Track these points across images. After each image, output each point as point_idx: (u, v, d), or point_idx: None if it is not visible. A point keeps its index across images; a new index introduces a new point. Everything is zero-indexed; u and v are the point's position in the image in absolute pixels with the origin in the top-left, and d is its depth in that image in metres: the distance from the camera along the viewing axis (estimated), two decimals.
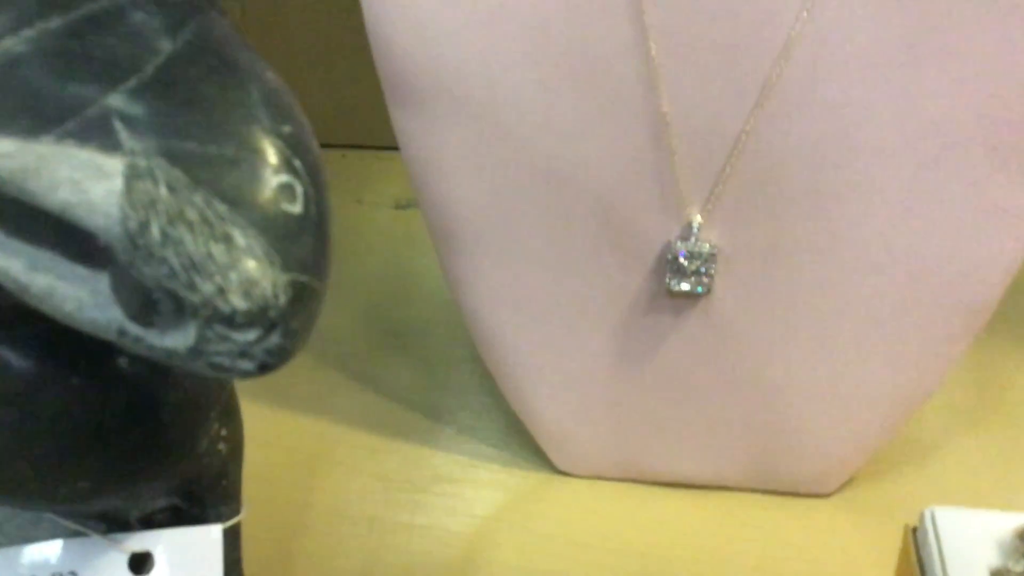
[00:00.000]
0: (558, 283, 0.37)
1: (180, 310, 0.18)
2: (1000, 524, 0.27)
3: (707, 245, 0.36)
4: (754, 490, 0.39)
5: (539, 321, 0.38)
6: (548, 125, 0.35)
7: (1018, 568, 0.25)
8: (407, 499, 0.39)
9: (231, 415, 0.29)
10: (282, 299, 0.18)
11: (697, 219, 0.36)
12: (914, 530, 0.27)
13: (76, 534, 0.27)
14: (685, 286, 0.36)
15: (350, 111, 0.58)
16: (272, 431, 0.42)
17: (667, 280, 0.36)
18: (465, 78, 0.35)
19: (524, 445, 0.41)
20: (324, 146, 0.66)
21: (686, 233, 0.36)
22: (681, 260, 0.36)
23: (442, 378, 0.45)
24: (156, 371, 0.25)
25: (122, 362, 0.24)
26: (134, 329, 0.19)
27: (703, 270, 0.36)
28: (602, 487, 0.39)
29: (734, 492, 0.39)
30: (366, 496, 0.39)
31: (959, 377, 0.43)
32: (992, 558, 0.26)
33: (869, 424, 0.38)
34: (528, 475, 0.40)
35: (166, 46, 0.20)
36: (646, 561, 0.37)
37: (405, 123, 0.36)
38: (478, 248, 0.37)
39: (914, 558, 0.27)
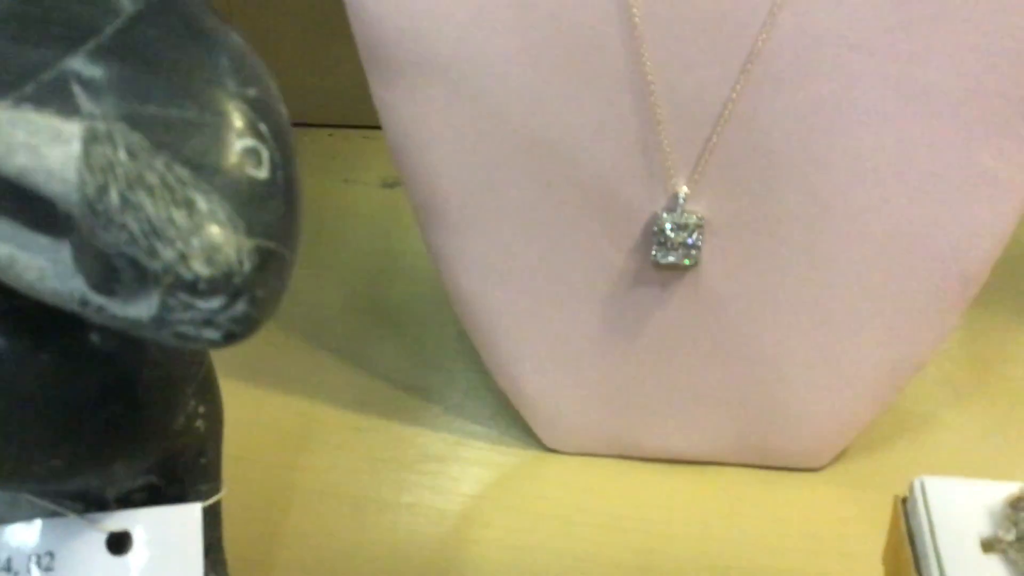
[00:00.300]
0: (543, 257, 0.37)
1: (142, 278, 0.17)
2: (990, 493, 0.27)
3: (694, 216, 0.35)
4: (745, 465, 0.39)
5: (525, 296, 0.37)
6: (531, 95, 0.34)
7: (1008, 537, 0.25)
8: (394, 478, 0.39)
9: (209, 393, 0.28)
10: (247, 265, 0.18)
11: (684, 190, 0.35)
12: (904, 500, 0.27)
13: (54, 514, 0.27)
14: (672, 258, 0.35)
15: (337, 90, 0.57)
16: (258, 411, 0.41)
17: (653, 252, 0.35)
18: (446, 48, 0.34)
19: (512, 423, 0.40)
20: (312, 126, 0.66)
21: (672, 204, 0.35)
22: (668, 232, 0.35)
23: (430, 357, 0.44)
24: (129, 347, 0.25)
25: (94, 338, 0.24)
26: (96, 299, 0.18)
27: (690, 242, 0.35)
28: (591, 463, 0.39)
29: (725, 467, 0.39)
30: (352, 475, 0.39)
31: (952, 350, 0.43)
32: (982, 527, 0.25)
33: (860, 397, 0.37)
34: (516, 452, 0.40)
35: (127, 7, 0.19)
36: (635, 537, 0.37)
37: (385, 95, 0.35)
38: (461, 222, 0.36)
39: (904, 528, 0.26)
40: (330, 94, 0.57)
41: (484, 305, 0.38)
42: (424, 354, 0.44)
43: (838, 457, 0.39)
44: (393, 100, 0.35)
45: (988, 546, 0.25)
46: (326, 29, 0.56)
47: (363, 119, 0.57)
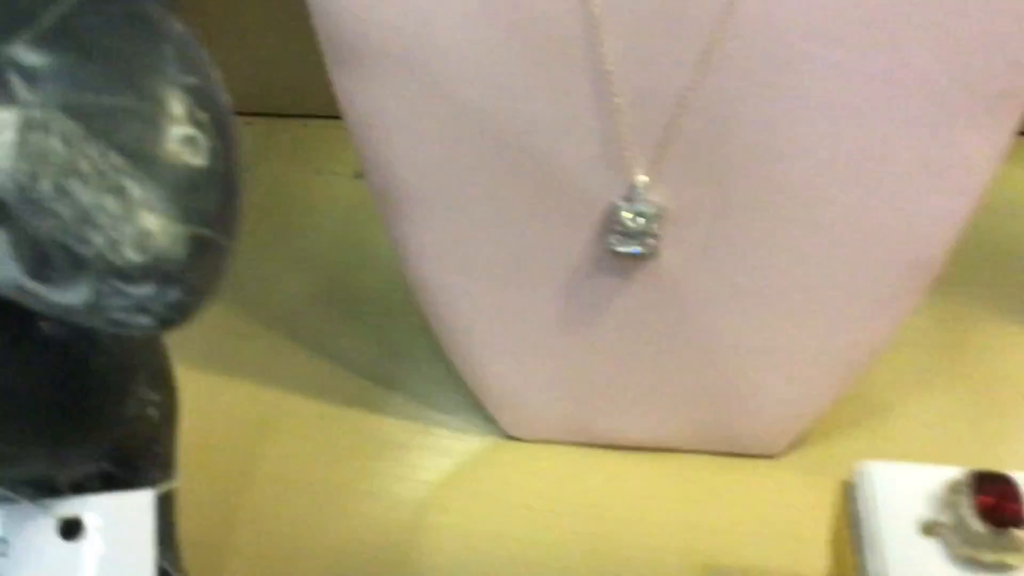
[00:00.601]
0: (503, 245, 0.37)
1: (75, 265, 0.18)
2: (933, 477, 0.27)
3: (653, 206, 0.35)
4: (704, 451, 0.39)
5: (484, 284, 0.37)
6: (490, 85, 0.35)
7: (947, 521, 0.25)
8: (354, 465, 0.39)
9: (162, 381, 0.28)
10: (181, 253, 0.18)
11: (642, 179, 0.36)
12: (849, 485, 0.27)
13: (5, 500, 0.27)
14: (630, 247, 0.36)
15: (311, 80, 0.57)
16: (221, 399, 0.42)
17: (612, 242, 0.36)
18: (405, 35, 0.34)
19: (474, 411, 0.41)
20: (285, 116, 0.65)
21: (631, 194, 0.36)
22: (626, 221, 0.36)
23: (396, 346, 0.44)
24: (79, 335, 0.25)
25: (44, 326, 0.24)
26: (31, 285, 0.18)
27: (649, 231, 0.36)
28: (551, 451, 0.39)
29: (684, 454, 0.39)
30: (312, 463, 0.39)
31: (917, 337, 0.43)
32: (923, 511, 0.26)
33: (817, 383, 0.37)
34: (478, 440, 0.40)
35: None
36: (596, 524, 0.37)
37: (346, 84, 0.36)
38: (422, 211, 0.37)
39: (847, 512, 0.27)
40: (304, 84, 0.57)
41: (445, 293, 0.38)
42: (391, 343, 0.45)
43: (799, 443, 0.39)
44: (354, 89, 0.35)
45: (927, 530, 0.25)
46: (300, 18, 0.56)
47: (335, 110, 0.57)
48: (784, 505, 0.37)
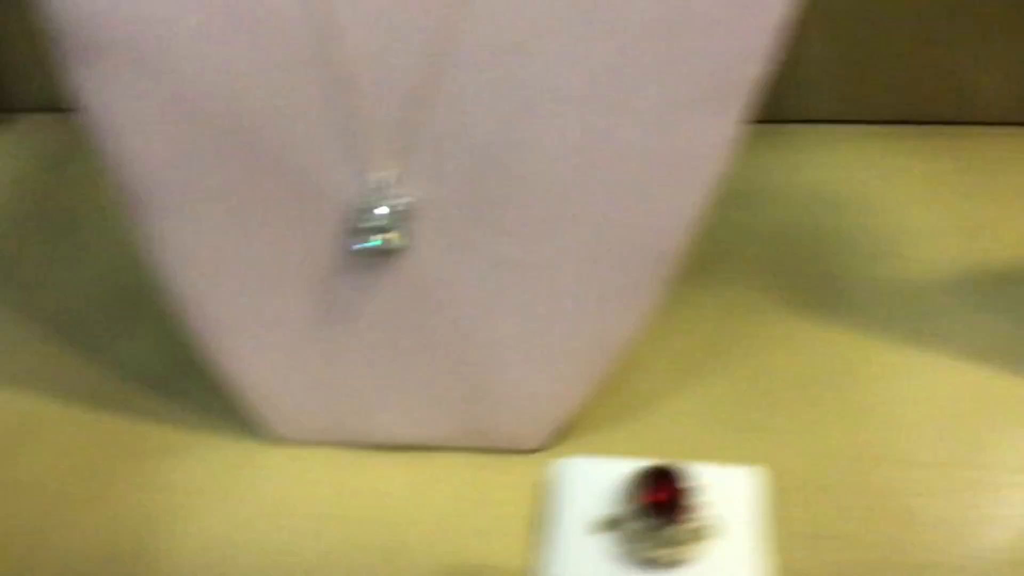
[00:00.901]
0: (250, 245, 0.36)
1: None
2: (623, 473, 0.27)
3: (400, 202, 0.35)
4: (466, 449, 0.39)
5: (236, 285, 0.37)
6: (225, 78, 0.34)
7: (621, 515, 0.25)
8: (108, 472, 0.38)
9: None
10: None
11: (387, 175, 0.35)
12: (538, 484, 0.27)
13: None
14: (377, 243, 0.35)
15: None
16: None
17: (358, 239, 0.35)
18: (139, 26, 0.33)
19: (234, 415, 0.39)
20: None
21: (376, 190, 0.35)
22: (372, 218, 0.35)
23: (174, 349, 0.43)
24: None
25: None
26: None
27: (396, 227, 0.35)
28: (313, 453, 0.38)
29: (446, 452, 0.39)
30: (63, 471, 0.38)
31: (685, 328, 0.44)
32: (606, 506, 0.26)
33: (571, 375, 0.38)
34: (240, 443, 0.39)
35: None
36: (355, 527, 0.36)
37: (78, 78, 0.34)
38: (165, 208, 0.36)
39: (538, 508, 0.26)
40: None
41: (195, 293, 0.37)
42: (170, 347, 0.43)
43: (562, 438, 0.39)
44: (85, 83, 0.34)
45: (604, 526, 0.25)
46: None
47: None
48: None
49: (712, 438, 0.40)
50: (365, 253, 0.35)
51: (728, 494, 0.26)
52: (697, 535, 0.25)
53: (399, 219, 0.35)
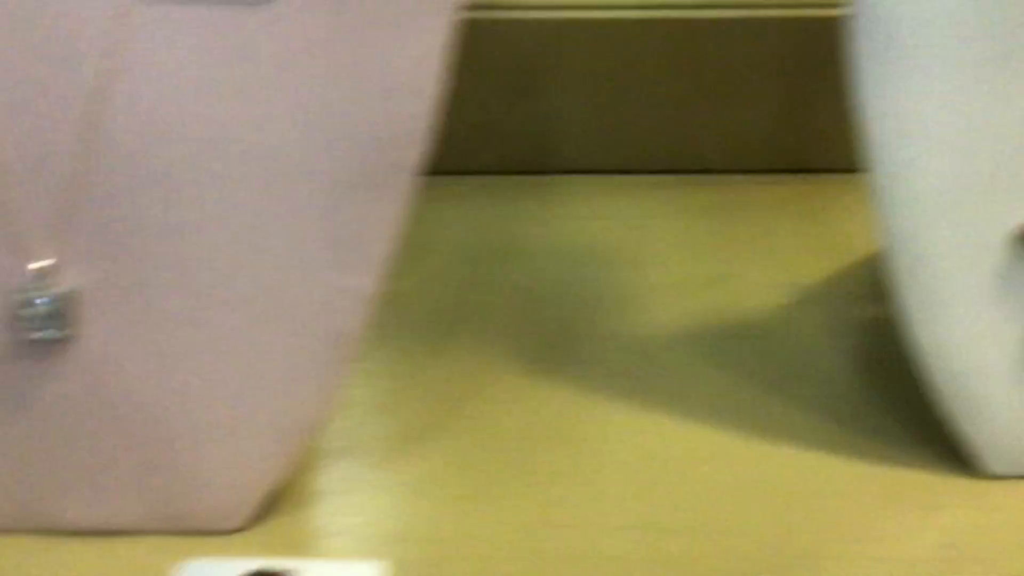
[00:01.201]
0: None
1: None
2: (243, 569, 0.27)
3: (63, 288, 0.35)
4: (160, 532, 0.38)
5: None
6: None
7: None
8: None
9: None
10: None
11: (47, 262, 0.35)
12: None
13: None
14: (44, 333, 0.35)
15: None
16: None
17: (23, 328, 0.35)
18: None
19: None
20: None
21: (37, 277, 0.35)
22: (35, 306, 0.35)
23: None
24: None
25: None
26: None
27: (61, 314, 0.35)
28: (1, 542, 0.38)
29: (141, 537, 0.38)
30: None
31: (420, 391, 0.43)
32: None
33: (262, 454, 0.37)
34: None
35: None
36: None
37: None
38: None
39: None
40: None
41: None
42: None
43: (264, 515, 0.38)
44: None
45: None
46: None
47: None
48: None
49: (421, 511, 0.39)
50: (36, 343, 0.35)
51: None
52: None
53: (61, 307, 0.35)
